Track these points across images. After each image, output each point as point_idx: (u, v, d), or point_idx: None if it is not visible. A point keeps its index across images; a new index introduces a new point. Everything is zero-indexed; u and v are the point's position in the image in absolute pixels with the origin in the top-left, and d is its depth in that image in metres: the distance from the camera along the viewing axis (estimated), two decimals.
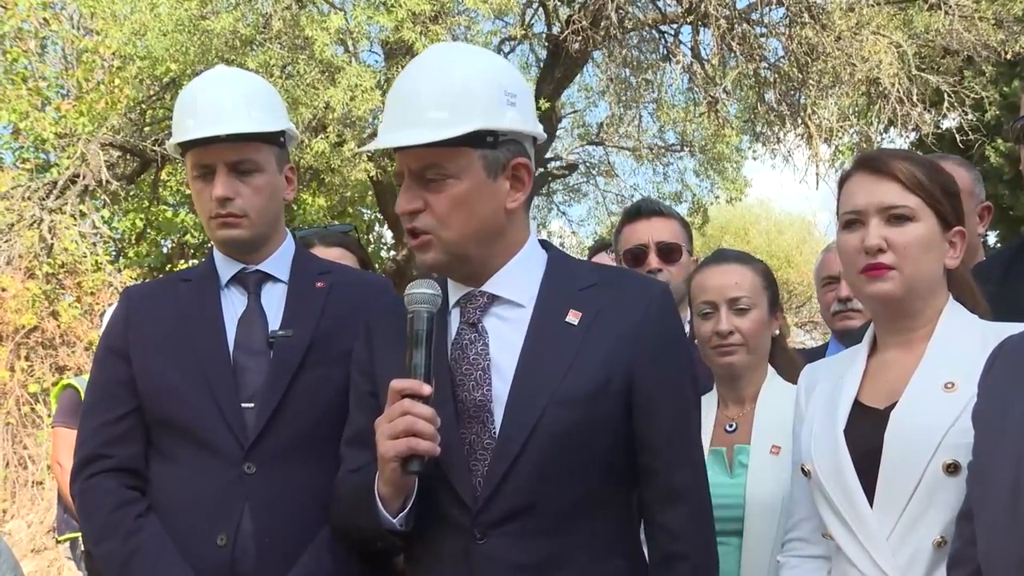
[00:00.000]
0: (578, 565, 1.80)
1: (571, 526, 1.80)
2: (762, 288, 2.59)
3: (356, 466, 1.93)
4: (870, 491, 1.82)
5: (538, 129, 1.92)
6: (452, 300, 1.92)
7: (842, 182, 2.01)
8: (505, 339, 1.86)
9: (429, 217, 1.82)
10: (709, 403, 2.51)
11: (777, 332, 2.64)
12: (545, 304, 1.88)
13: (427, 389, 1.74)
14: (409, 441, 1.71)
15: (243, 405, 2.15)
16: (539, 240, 2.00)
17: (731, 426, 2.54)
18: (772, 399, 2.49)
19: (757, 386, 2.56)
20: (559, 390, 1.79)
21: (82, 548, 4.83)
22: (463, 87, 1.81)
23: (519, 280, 1.90)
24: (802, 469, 1.98)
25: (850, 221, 1.95)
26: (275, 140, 2.30)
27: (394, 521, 1.80)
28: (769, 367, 2.60)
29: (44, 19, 12.28)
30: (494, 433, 1.81)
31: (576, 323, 1.84)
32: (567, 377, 1.80)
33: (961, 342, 1.87)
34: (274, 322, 2.25)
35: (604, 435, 1.82)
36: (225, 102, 2.24)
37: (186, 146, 2.25)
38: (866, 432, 1.86)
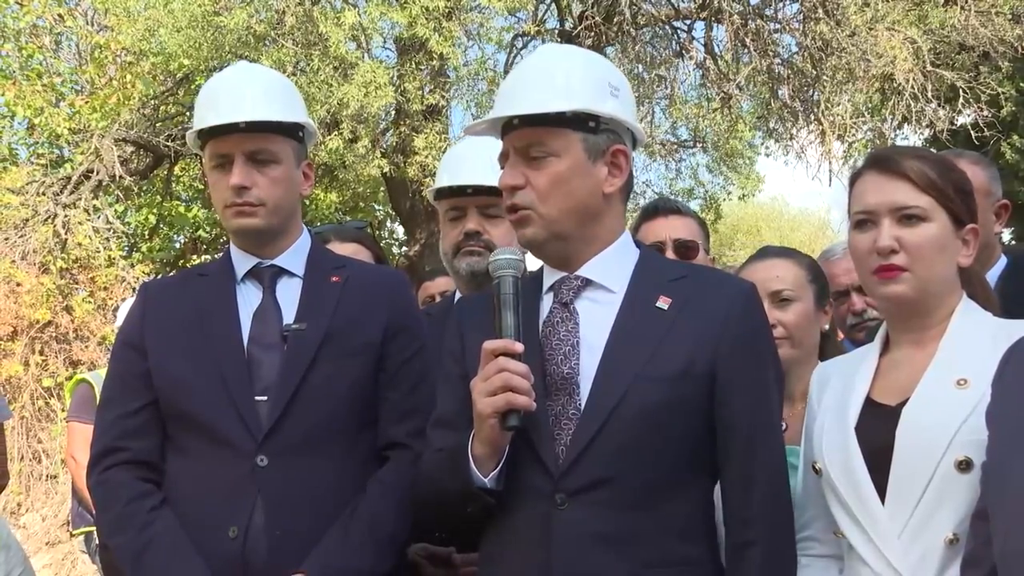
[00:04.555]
0: (657, 543, 1.83)
1: (651, 503, 1.83)
2: (807, 281, 2.53)
3: (441, 447, 1.97)
4: (881, 488, 1.82)
5: (637, 126, 2.00)
6: (546, 286, 1.99)
7: (853, 181, 2.00)
8: (596, 319, 1.92)
9: (529, 193, 1.90)
10: None
11: (827, 327, 2.55)
12: (636, 290, 1.94)
13: (519, 347, 1.81)
14: (507, 396, 1.78)
15: (256, 398, 2.17)
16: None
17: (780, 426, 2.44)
18: None
19: (806, 383, 2.36)
20: (645, 369, 1.84)
21: (96, 542, 4.86)
22: (567, 72, 1.93)
23: (613, 267, 1.97)
24: (813, 467, 1.97)
25: (862, 221, 1.94)
26: (293, 134, 2.32)
27: (486, 480, 1.85)
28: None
29: (59, 15, 12.36)
30: (579, 405, 1.86)
31: (666, 308, 1.90)
32: (654, 357, 1.85)
33: (974, 339, 1.86)
34: (289, 316, 2.26)
35: (685, 418, 1.86)
36: (245, 93, 2.27)
37: (205, 137, 2.27)
38: (878, 429, 1.85)
